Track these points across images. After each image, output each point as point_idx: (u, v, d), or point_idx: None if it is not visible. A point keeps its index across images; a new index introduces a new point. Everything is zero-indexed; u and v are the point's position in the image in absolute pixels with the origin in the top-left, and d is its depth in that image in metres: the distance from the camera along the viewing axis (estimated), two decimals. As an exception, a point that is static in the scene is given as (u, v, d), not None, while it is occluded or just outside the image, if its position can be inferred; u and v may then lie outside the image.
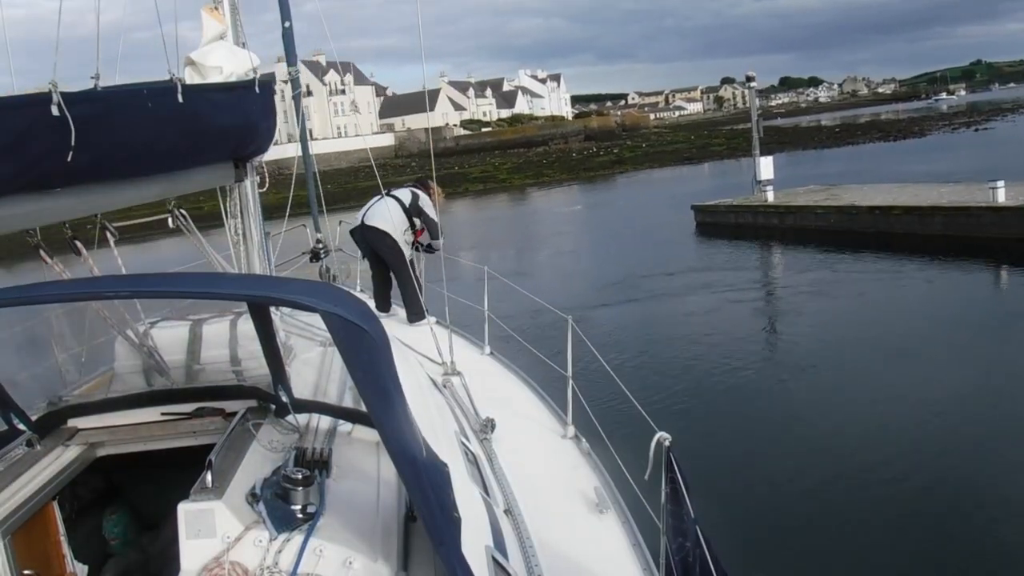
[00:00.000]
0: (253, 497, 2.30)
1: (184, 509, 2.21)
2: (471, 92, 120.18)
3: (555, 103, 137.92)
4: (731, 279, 16.51)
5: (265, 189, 5.01)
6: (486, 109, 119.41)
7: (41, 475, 2.77)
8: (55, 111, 2.71)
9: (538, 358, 5.54)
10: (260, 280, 3.55)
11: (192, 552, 2.17)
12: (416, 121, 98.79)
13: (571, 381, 4.60)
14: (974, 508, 6.34)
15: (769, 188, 22.97)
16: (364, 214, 7.20)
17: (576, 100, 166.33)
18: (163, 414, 3.11)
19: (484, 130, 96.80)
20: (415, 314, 6.91)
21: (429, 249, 7.51)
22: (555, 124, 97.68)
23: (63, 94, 2.73)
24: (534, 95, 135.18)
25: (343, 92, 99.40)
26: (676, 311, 14.48)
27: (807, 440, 8.01)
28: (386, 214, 7.00)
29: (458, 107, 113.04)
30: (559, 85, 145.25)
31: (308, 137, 7.17)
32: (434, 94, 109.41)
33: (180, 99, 3.43)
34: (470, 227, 35.26)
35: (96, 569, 3.05)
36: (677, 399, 9.46)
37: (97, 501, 3.33)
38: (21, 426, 2.91)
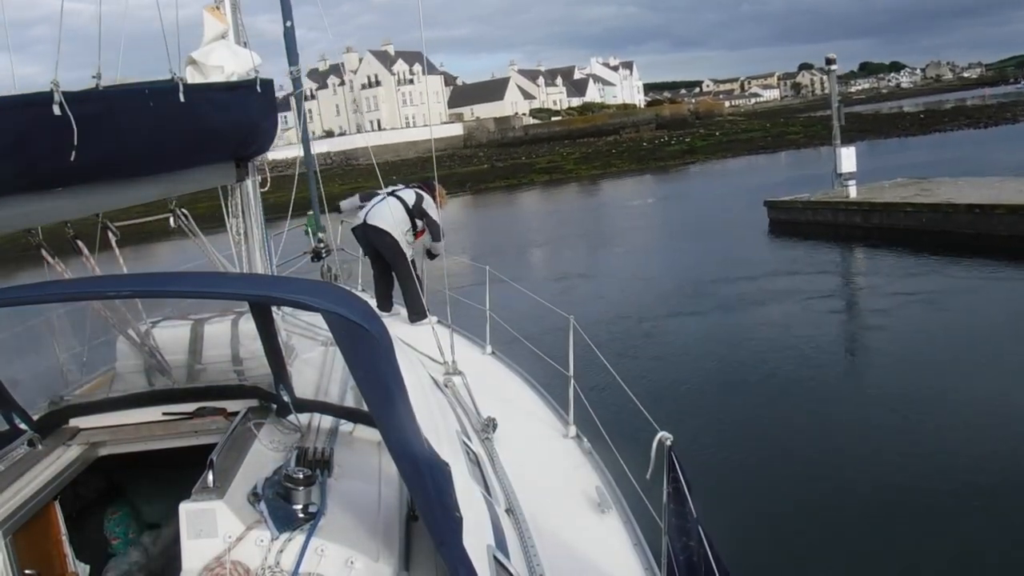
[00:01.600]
0: (255, 497, 2.30)
1: (185, 509, 2.21)
2: (541, 80, 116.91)
3: (627, 91, 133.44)
4: (805, 285, 14.73)
5: (267, 188, 5.01)
6: (556, 98, 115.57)
7: (42, 475, 2.77)
8: (57, 111, 2.72)
9: (540, 358, 5.54)
10: (261, 279, 3.55)
11: (193, 552, 2.17)
12: (485, 110, 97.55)
13: (572, 381, 4.59)
14: (982, 512, 6.31)
15: (851, 183, 20.18)
16: (366, 213, 7.21)
17: (649, 88, 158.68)
18: (164, 414, 3.12)
19: (554, 119, 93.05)
20: (416, 313, 6.91)
21: (430, 255, 7.49)
22: (626, 112, 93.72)
23: (65, 93, 2.74)
24: (606, 83, 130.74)
25: (411, 82, 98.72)
26: (742, 322, 13.05)
27: (812, 440, 7.99)
28: (388, 213, 7.01)
29: (527, 96, 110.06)
30: (631, 73, 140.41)
31: (310, 136, 7.16)
32: (503, 83, 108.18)
33: (182, 98, 3.43)
34: (537, 221, 33.13)
35: (97, 569, 3.05)
36: (679, 399, 9.45)
37: (98, 501, 3.34)
38: (23, 426, 2.91)
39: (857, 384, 9.50)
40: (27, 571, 2.58)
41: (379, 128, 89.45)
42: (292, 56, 6.57)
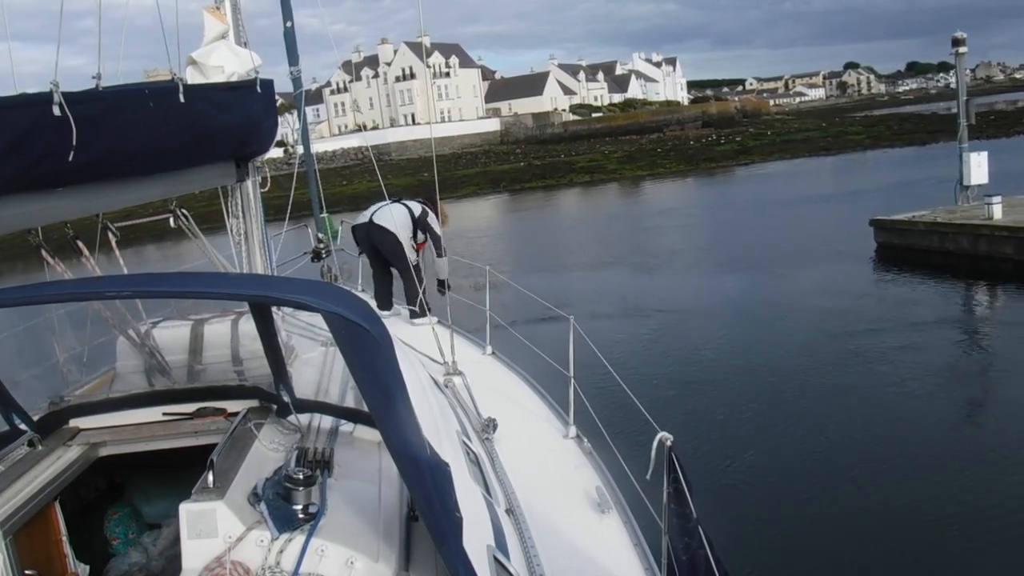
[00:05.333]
0: (255, 497, 2.30)
1: (186, 509, 2.21)
2: (582, 76, 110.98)
3: (670, 88, 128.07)
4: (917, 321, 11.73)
5: (267, 188, 5.01)
6: (597, 93, 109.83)
7: (43, 475, 2.77)
8: (56, 111, 2.72)
9: (540, 358, 5.53)
10: (262, 280, 3.56)
11: (194, 552, 2.17)
12: (524, 105, 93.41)
13: (573, 381, 4.59)
14: (988, 520, 6.31)
15: (996, 200, 14.86)
16: (373, 213, 7.25)
17: (691, 86, 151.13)
18: (165, 414, 3.12)
19: (594, 115, 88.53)
20: (417, 309, 6.92)
21: (442, 287, 7.46)
22: (670, 110, 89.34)
23: (64, 94, 2.74)
24: (648, 79, 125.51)
25: (447, 75, 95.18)
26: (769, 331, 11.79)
27: (813, 442, 7.99)
28: (396, 218, 7.08)
29: (568, 91, 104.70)
30: (675, 69, 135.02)
31: (309, 136, 7.15)
32: (542, 77, 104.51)
33: (182, 99, 3.43)
34: (580, 231, 27.60)
35: (98, 569, 3.05)
36: (679, 399, 9.45)
37: (99, 501, 3.34)
38: (23, 426, 2.91)
39: (865, 391, 9.49)
40: (27, 571, 2.58)
41: (413, 122, 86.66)
42: (292, 56, 6.56)
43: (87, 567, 2.94)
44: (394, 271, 7.38)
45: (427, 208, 7.36)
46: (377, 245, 7.21)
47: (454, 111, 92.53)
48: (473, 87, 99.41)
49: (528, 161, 59.14)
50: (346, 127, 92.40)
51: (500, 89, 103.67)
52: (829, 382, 9.68)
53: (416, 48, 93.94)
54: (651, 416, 3.22)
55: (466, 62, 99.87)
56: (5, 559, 2.40)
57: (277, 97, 4.63)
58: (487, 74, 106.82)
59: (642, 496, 3.52)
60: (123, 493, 3.43)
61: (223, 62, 4.36)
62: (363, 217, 7.35)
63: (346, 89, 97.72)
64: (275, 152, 4.81)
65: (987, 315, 12.68)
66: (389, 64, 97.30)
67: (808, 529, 6.37)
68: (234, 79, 4.34)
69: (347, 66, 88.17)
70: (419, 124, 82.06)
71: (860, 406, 8.73)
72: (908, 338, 11.16)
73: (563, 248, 23.93)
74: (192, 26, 4.47)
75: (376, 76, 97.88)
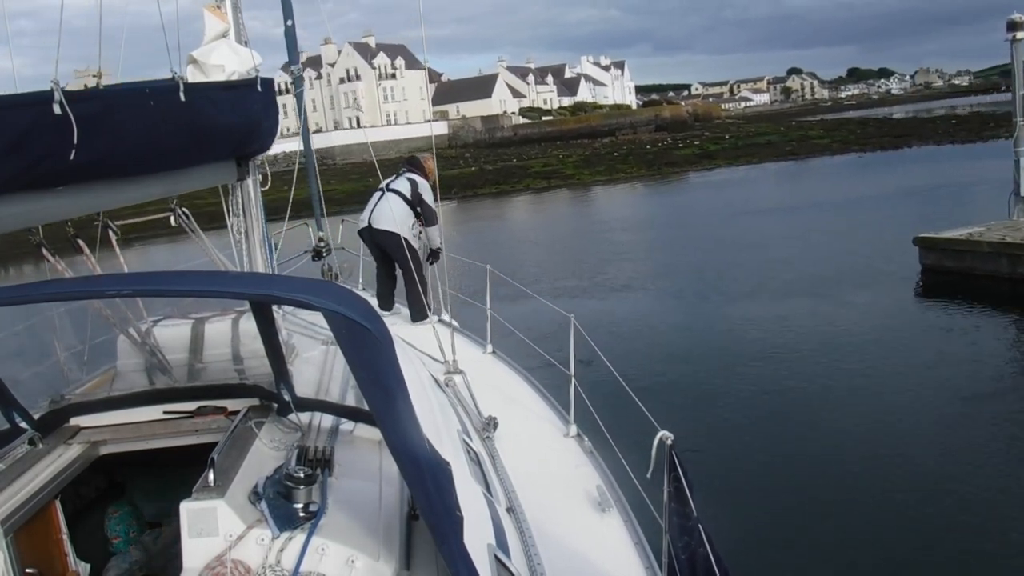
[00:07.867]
0: (255, 496, 2.31)
1: (186, 508, 2.21)
2: (531, 78, 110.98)
3: (619, 92, 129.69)
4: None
5: (267, 187, 5.01)
6: (546, 96, 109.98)
7: (43, 474, 2.78)
8: (57, 110, 2.71)
9: (540, 357, 5.54)
10: (262, 278, 3.56)
11: (194, 551, 2.17)
12: (472, 108, 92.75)
13: (573, 380, 4.59)
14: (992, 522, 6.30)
15: None
16: (370, 215, 7.20)
17: (638, 90, 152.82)
18: (165, 412, 3.12)
19: (544, 119, 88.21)
20: (418, 312, 6.91)
21: (435, 257, 7.45)
22: (622, 113, 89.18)
23: (65, 92, 2.74)
24: (597, 83, 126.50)
25: (393, 76, 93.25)
26: (750, 324, 11.67)
27: (814, 440, 7.99)
28: (391, 212, 7.02)
29: (517, 94, 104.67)
30: (623, 73, 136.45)
31: (309, 132, 7.16)
32: (491, 79, 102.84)
33: (182, 97, 3.43)
34: (549, 247, 23.66)
35: (98, 568, 3.05)
36: (680, 398, 9.44)
37: (99, 499, 3.34)
38: (23, 424, 2.91)
39: (863, 387, 9.49)
40: (28, 570, 2.58)
41: (359, 125, 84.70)
42: (292, 55, 6.57)
43: (87, 566, 2.94)
44: (398, 272, 7.37)
45: (414, 178, 7.26)
46: (383, 247, 7.18)
47: (400, 114, 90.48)
48: (420, 89, 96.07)
49: (479, 166, 56.92)
50: (288, 130, 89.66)
51: (448, 91, 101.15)
52: (833, 383, 9.67)
53: (361, 49, 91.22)
54: (652, 415, 3.22)
55: (412, 63, 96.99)
56: (5, 557, 2.40)
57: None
58: (434, 76, 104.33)
59: (643, 495, 3.52)
60: (123, 492, 3.43)
61: (224, 61, 4.36)
62: (362, 221, 7.30)
63: (287, 91, 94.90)
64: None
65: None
66: (333, 65, 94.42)
67: (809, 528, 6.36)
68: (234, 78, 4.34)
69: (288, 67, 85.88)
70: (365, 127, 78.76)
71: (863, 408, 8.73)
72: (924, 347, 10.72)
73: (546, 265, 19.98)
74: (187, 24, 4.48)
75: (319, 77, 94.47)
